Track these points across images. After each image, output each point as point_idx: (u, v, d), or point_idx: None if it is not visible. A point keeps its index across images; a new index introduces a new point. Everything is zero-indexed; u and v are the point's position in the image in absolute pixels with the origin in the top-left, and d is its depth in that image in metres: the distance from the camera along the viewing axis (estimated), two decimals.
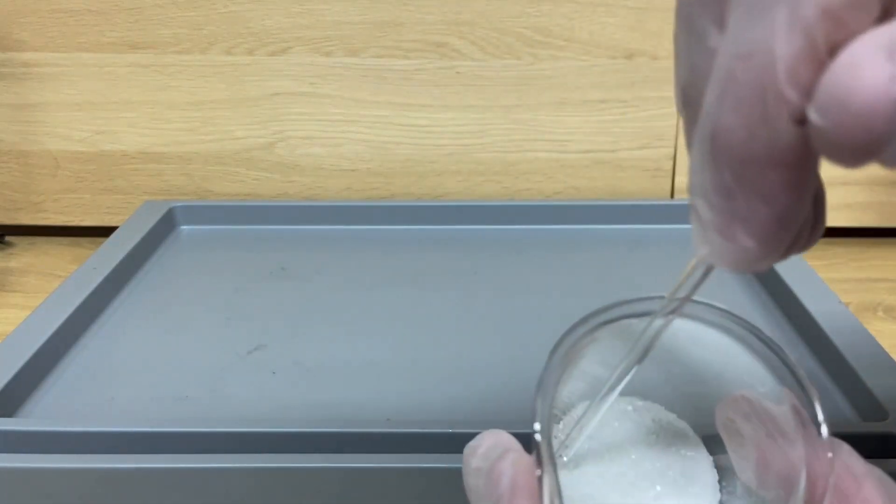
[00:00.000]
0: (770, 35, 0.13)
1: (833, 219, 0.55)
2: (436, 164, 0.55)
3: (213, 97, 0.54)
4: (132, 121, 0.55)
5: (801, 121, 0.13)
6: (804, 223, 0.15)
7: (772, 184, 0.14)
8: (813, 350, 0.37)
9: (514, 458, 0.16)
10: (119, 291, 0.44)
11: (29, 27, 0.53)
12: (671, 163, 0.55)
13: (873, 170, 0.54)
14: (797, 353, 0.38)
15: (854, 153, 0.12)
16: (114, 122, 0.55)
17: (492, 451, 0.17)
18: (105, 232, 0.49)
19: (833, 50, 0.12)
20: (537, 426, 0.15)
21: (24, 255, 0.55)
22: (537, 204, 0.51)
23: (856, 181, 0.54)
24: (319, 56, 0.53)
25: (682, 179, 0.55)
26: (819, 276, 0.42)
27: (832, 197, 0.55)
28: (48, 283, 0.46)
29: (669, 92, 0.52)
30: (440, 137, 0.55)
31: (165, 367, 0.37)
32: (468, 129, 0.54)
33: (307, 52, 0.53)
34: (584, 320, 0.18)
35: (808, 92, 0.12)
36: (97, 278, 0.42)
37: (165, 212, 0.51)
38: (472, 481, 0.17)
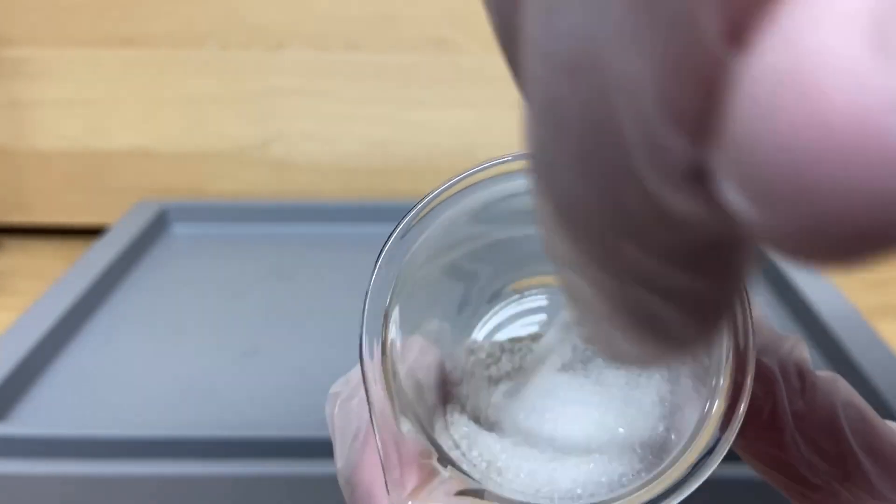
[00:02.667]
0: (600, 27, 0.07)
1: None
2: (436, 163, 0.55)
3: (208, 94, 0.54)
4: (124, 118, 0.54)
5: (699, 176, 0.07)
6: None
7: (671, 273, 0.08)
8: (821, 351, 0.37)
9: (377, 387, 0.13)
10: (111, 293, 0.43)
11: (18, 22, 0.52)
12: None
13: None
14: None
15: (843, 257, 0.06)
16: (105, 119, 0.54)
17: (355, 375, 0.14)
18: (97, 232, 0.49)
19: (739, 38, 0.06)
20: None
21: (14, 256, 0.55)
22: None
23: None
24: (316, 51, 0.53)
25: None
26: (827, 277, 0.41)
27: None
28: (38, 284, 0.46)
29: None
30: (440, 135, 0.54)
31: (158, 370, 0.37)
32: (469, 127, 0.54)
33: (304, 47, 0.53)
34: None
35: (703, 131, 0.07)
36: (88, 279, 0.42)
37: (158, 211, 0.50)
38: (328, 408, 0.15)
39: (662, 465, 0.13)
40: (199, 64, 0.53)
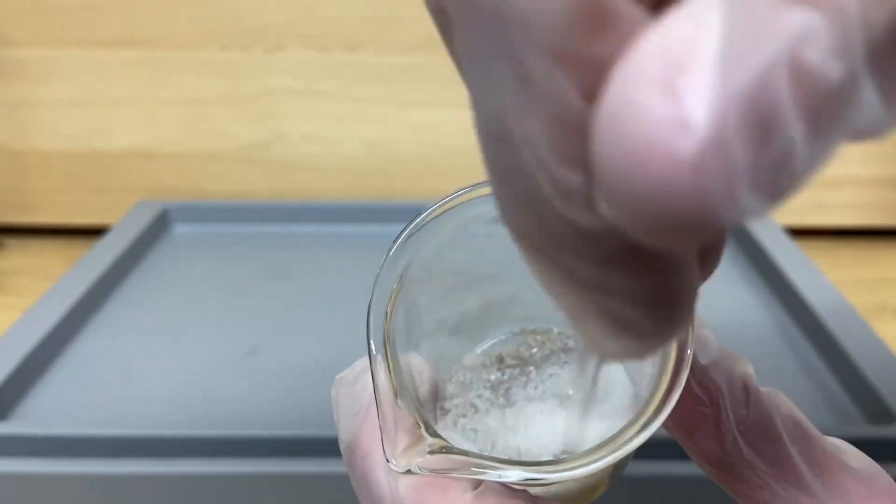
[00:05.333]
0: (503, 107, 0.09)
1: (840, 218, 0.55)
2: (436, 163, 0.55)
3: (208, 94, 0.54)
4: (125, 119, 0.54)
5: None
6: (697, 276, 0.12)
7: (610, 278, 0.10)
8: (820, 351, 0.37)
9: (381, 371, 0.16)
10: (112, 292, 0.43)
11: (19, 23, 0.52)
12: None
13: (879, 169, 0.54)
14: (804, 354, 0.37)
15: (691, 237, 0.08)
16: (107, 119, 0.54)
17: (360, 363, 0.17)
18: (98, 232, 0.49)
19: (593, 96, 0.08)
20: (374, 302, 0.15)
21: (16, 256, 0.55)
22: None
23: (862, 180, 0.54)
24: (317, 52, 0.53)
25: None
26: (826, 277, 0.41)
27: (838, 196, 0.55)
28: (40, 283, 0.46)
29: None
30: (440, 135, 0.54)
31: (159, 369, 0.37)
32: (469, 127, 0.54)
33: (304, 48, 0.53)
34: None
35: (584, 164, 0.09)
36: (90, 279, 0.42)
37: (159, 211, 0.50)
38: (334, 391, 0.17)
39: (604, 440, 0.15)
40: (199, 64, 0.53)
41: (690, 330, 0.15)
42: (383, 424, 0.15)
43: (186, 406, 0.34)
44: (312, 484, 0.30)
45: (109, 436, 0.30)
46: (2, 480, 0.30)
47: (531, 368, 0.18)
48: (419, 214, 0.17)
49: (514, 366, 0.18)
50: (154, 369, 0.37)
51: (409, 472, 0.14)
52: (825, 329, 0.37)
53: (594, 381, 0.17)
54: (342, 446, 0.16)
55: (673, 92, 0.07)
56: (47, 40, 0.52)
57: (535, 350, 0.19)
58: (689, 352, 0.15)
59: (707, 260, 0.13)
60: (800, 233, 0.50)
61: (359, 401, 0.16)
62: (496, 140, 0.10)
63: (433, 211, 0.17)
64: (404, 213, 0.51)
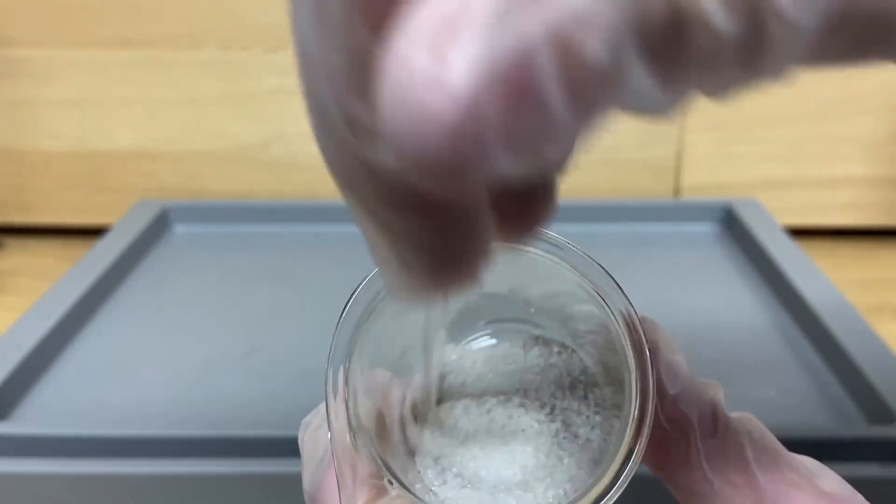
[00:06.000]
0: (304, 30, 0.10)
1: (840, 218, 0.55)
2: None
3: (208, 94, 0.54)
4: (125, 118, 0.54)
5: None
6: (484, 236, 0.12)
7: (404, 217, 0.11)
8: (820, 351, 0.37)
9: (341, 421, 0.16)
10: (112, 293, 0.43)
11: (19, 23, 0.52)
12: (675, 161, 0.54)
13: (879, 169, 0.54)
14: (804, 354, 0.37)
15: (452, 182, 0.09)
16: (106, 119, 0.54)
17: (324, 406, 0.16)
18: (98, 232, 0.49)
19: (382, 37, 0.09)
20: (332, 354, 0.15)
21: (15, 256, 0.55)
22: None
23: (862, 180, 0.54)
24: None
25: (686, 178, 0.55)
26: (826, 277, 0.41)
27: (838, 196, 0.55)
28: (40, 284, 0.46)
29: None
30: None
31: (159, 370, 0.37)
32: None
33: None
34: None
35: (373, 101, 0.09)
36: (90, 279, 0.41)
37: (159, 211, 0.50)
38: (300, 436, 0.17)
39: (586, 484, 0.15)
40: (199, 64, 0.53)
41: (651, 400, 0.16)
42: (340, 477, 0.14)
43: (186, 406, 0.34)
44: None
45: (109, 436, 0.30)
46: (2, 480, 0.30)
47: (500, 393, 0.18)
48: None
49: (495, 392, 0.18)
50: (154, 369, 0.37)
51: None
52: (825, 329, 0.37)
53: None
54: (305, 497, 0.16)
55: (440, 52, 0.08)
56: (47, 40, 0.52)
57: (507, 370, 0.19)
58: (649, 412, 0.15)
59: (526, 217, 0.14)
60: (800, 233, 0.50)
61: (321, 449, 0.16)
62: (302, 64, 0.11)
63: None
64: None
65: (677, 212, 0.51)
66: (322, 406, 0.16)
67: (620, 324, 0.16)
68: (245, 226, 0.51)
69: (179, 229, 0.51)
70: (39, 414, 0.34)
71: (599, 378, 0.18)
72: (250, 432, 0.30)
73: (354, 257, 0.53)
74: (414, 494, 0.15)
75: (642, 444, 0.15)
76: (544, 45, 0.08)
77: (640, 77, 0.09)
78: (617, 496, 0.15)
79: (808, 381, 0.36)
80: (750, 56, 0.09)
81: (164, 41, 0.52)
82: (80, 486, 0.30)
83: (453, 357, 0.19)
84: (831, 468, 0.29)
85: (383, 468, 0.14)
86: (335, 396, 0.15)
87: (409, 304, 0.14)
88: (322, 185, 0.56)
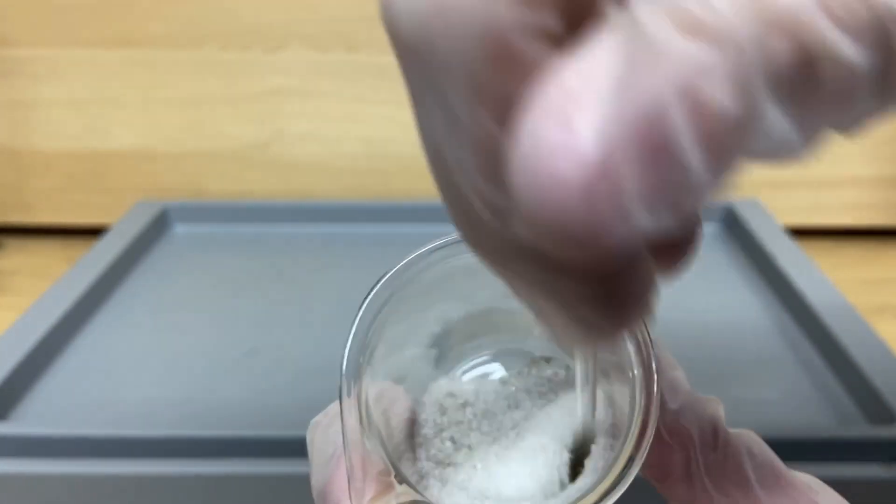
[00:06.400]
0: (435, 132, 0.11)
1: (841, 218, 0.55)
2: None
3: (208, 94, 0.54)
4: (125, 118, 0.54)
5: None
6: (650, 276, 0.12)
7: (568, 282, 0.11)
8: (820, 352, 0.37)
9: (352, 418, 0.16)
10: (112, 293, 0.43)
11: (19, 22, 0.52)
12: None
13: (880, 169, 0.54)
14: (804, 354, 0.37)
15: (599, 253, 0.09)
16: (106, 119, 0.54)
17: (334, 408, 0.17)
18: (97, 232, 0.49)
19: (509, 125, 0.09)
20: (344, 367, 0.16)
21: (15, 256, 0.55)
22: None
23: (863, 180, 0.54)
24: (317, 52, 0.53)
25: None
26: (826, 277, 0.41)
27: (839, 196, 0.55)
28: (39, 284, 0.45)
29: None
30: None
31: (158, 370, 0.37)
32: None
33: (304, 48, 0.52)
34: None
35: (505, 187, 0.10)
36: (89, 279, 0.41)
37: (159, 211, 0.50)
38: (309, 435, 0.17)
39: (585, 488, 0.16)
40: (199, 64, 0.53)
41: (655, 393, 0.16)
42: (351, 473, 0.15)
43: (186, 406, 0.34)
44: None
45: (109, 436, 0.30)
46: (2, 480, 0.30)
47: (506, 408, 0.18)
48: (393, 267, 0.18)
49: (491, 405, 0.19)
50: (154, 369, 0.37)
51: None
52: (825, 329, 0.37)
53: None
54: (314, 493, 0.16)
55: (568, 123, 0.08)
56: (47, 40, 0.52)
57: (513, 388, 0.19)
58: (653, 416, 0.16)
59: (677, 254, 0.14)
60: (800, 233, 0.50)
61: (331, 446, 0.16)
62: (435, 164, 0.11)
63: (408, 259, 0.18)
64: (404, 213, 0.51)
65: None
66: (331, 406, 0.17)
67: (628, 339, 0.16)
68: (245, 226, 0.51)
69: (179, 229, 0.51)
70: (39, 414, 0.34)
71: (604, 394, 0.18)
72: (250, 432, 0.30)
73: (354, 257, 0.53)
74: (419, 493, 0.15)
75: (643, 452, 0.15)
76: (673, 101, 0.08)
77: (775, 120, 0.09)
78: (613, 500, 0.15)
79: (808, 381, 0.36)
80: (885, 84, 0.09)
81: (164, 41, 0.52)
82: (80, 486, 0.30)
83: (461, 379, 0.19)
84: (831, 468, 0.29)
85: (391, 467, 0.15)
86: (349, 395, 0.15)
87: (581, 350, 0.14)
88: (322, 185, 0.56)
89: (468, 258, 0.16)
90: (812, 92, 0.09)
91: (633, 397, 0.16)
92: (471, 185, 0.11)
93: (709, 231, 0.50)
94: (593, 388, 0.17)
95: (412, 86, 0.11)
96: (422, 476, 0.17)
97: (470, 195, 0.11)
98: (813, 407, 0.34)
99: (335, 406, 0.17)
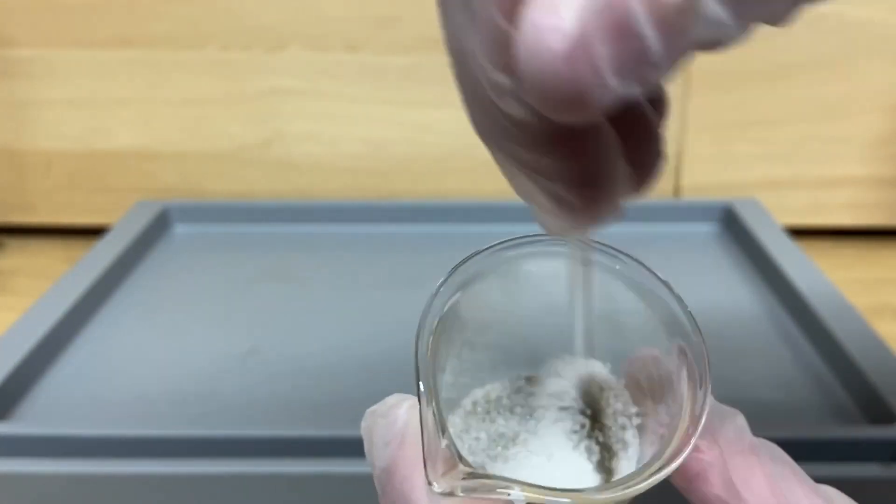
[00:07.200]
0: (457, 29, 0.14)
1: (840, 218, 0.55)
2: (436, 163, 0.55)
3: (209, 94, 0.54)
4: (125, 119, 0.54)
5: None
6: (617, 164, 0.15)
7: (544, 159, 0.14)
8: (820, 351, 0.37)
9: (413, 403, 0.17)
10: (112, 293, 0.43)
11: (20, 22, 0.52)
12: (675, 161, 0.54)
13: (879, 169, 0.54)
14: (805, 354, 0.37)
15: (579, 109, 0.12)
16: (107, 119, 0.54)
17: (391, 399, 0.18)
18: (98, 232, 0.49)
19: (514, 19, 0.12)
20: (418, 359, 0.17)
21: (16, 256, 0.55)
22: None
23: (862, 180, 0.54)
24: (317, 53, 0.53)
25: (686, 178, 0.55)
26: (826, 277, 0.41)
27: (838, 196, 0.55)
28: (40, 284, 0.46)
29: (673, 89, 0.52)
30: (440, 135, 0.54)
31: (159, 369, 0.37)
32: (468, 127, 0.54)
33: (304, 48, 0.52)
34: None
35: (511, 69, 0.13)
36: (90, 279, 0.41)
37: (159, 211, 0.50)
38: (366, 423, 0.18)
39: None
40: (199, 64, 0.53)
41: (706, 390, 0.17)
42: (427, 452, 0.16)
43: (186, 406, 0.34)
44: (312, 484, 0.30)
45: (109, 436, 0.30)
46: (2, 480, 0.30)
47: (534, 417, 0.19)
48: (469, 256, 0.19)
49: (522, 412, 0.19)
50: (153, 369, 0.37)
51: (450, 493, 0.15)
52: (825, 329, 0.37)
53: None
54: (376, 472, 0.17)
55: (556, 11, 0.11)
56: (47, 40, 0.52)
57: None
58: (705, 409, 0.16)
59: (657, 107, 0.16)
60: (800, 233, 0.50)
61: (391, 432, 0.17)
62: (453, 55, 0.14)
63: (480, 252, 0.19)
64: (404, 213, 0.51)
65: (677, 212, 0.51)
66: (387, 399, 0.18)
67: (675, 350, 0.17)
68: (245, 226, 0.51)
69: (179, 229, 0.51)
70: (39, 414, 0.34)
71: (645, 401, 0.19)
72: (250, 432, 0.30)
73: (354, 257, 0.53)
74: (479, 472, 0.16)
75: (684, 455, 0.16)
76: None
77: (713, 7, 0.11)
78: (650, 485, 0.16)
79: (808, 381, 0.36)
80: None
81: (164, 41, 0.52)
82: (80, 486, 0.30)
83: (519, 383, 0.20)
84: (831, 468, 0.29)
85: (457, 455, 0.16)
86: (426, 387, 0.16)
87: (564, 238, 0.17)
88: (322, 185, 0.56)
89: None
90: None
91: (679, 406, 0.17)
92: (480, 69, 0.13)
93: (708, 231, 0.50)
94: (588, 312, 0.18)
95: None
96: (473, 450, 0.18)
97: (480, 78, 0.14)
98: (812, 407, 0.34)
99: (392, 398, 0.18)
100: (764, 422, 0.33)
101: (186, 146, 0.55)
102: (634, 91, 0.11)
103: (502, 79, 0.13)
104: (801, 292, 0.40)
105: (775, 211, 0.50)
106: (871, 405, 0.33)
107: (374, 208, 0.51)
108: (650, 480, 0.16)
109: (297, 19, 0.52)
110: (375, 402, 0.18)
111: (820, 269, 0.42)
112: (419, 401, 0.16)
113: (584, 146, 0.14)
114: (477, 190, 0.55)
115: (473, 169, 0.55)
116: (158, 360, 0.37)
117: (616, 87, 0.11)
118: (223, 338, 0.39)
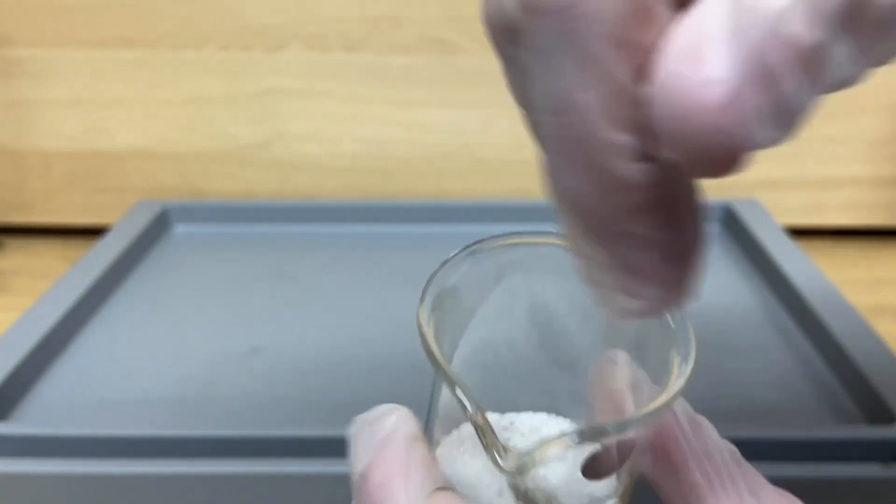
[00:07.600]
0: (568, 86, 0.12)
1: (841, 218, 0.55)
2: (436, 163, 0.55)
3: (208, 94, 0.54)
4: (125, 118, 0.54)
5: (647, 157, 0.13)
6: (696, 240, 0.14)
7: (646, 229, 0.13)
8: (820, 351, 0.37)
9: (402, 413, 0.17)
10: (112, 293, 0.43)
11: (18, 22, 0.52)
12: None
13: (879, 169, 0.54)
14: (804, 354, 0.37)
15: (732, 162, 0.11)
16: (106, 119, 0.54)
17: (382, 408, 0.18)
18: (97, 232, 0.49)
19: (642, 72, 0.12)
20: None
21: (15, 256, 0.55)
22: (540, 204, 0.51)
23: (862, 180, 0.54)
24: (317, 52, 0.53)
25: None
26: (826, 277, 0.41)
27: (838, 196, 0.55)
28: (39, 284, 0.46)
29: None
30: (440, 135, 0.54)
31: (159, 369, 0.37)
32: (469, 127, 0.54)
33: (304, 48, 0.52)
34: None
35: (638, 126, 0.12)
36: (89, 279, 0.41)
37: (159, 211, 0.50)
38: (353, 429, 0.18)
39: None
40: (199, 64, 0.53)
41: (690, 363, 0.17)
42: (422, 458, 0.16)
43: (186, 406, 0.34)
44: (312, 484, 0.30)
45: (109, 436, 0.30)
46: (2, 480, 0.30)
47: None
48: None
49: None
50: (154, 369, 0.37)
51: (441, 489, 0.15)
52: (825, 329, 0.37)
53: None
54: (354, 476, 0.17)
55: (702, 61, 0.11)
56: (47, 40, 0.52)
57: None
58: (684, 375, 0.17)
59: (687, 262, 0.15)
60: (799, 232, 0.50)
61: (376, 438, 0.17)
62: (552, 113, 0.13)
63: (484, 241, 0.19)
64: (404, 213, 0.51)
65: None
66: (379, 407, 0.18)
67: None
68: (245, 226, 0.51)
69: (179, 229, 0.51)
70: (39, 414, 0.34)
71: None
72: (250, 432, 0.30)
73: (354, 257, 0.53)
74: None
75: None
76: (769, 41, 0.11)
77: (841, 49, 0.11)
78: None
79: (808, 381, 0.36)
80: None
81: (164, 41, 0.52)
82: (80, 486, 0.30)
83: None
84: (831, 468, 0.29)
85: (475, 410, 0.16)
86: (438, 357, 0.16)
87: (632, 320, 0.16)
88: (322, 185, 0.56)
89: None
90: (865, 25, 0.11)
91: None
92: (592, 127, 0.12)
93: (708, 231, 0.50)
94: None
95: (542, 43, 0.13)
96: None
97: (589, 138, 0.13)
98: (812, 406, 0.34)
99: (382, 407, 0.18)
100: (764, 422, 0.34)
101: (186, 146, 0.55)
102: (779, 140, 0.12)
103: (621, 138, 0.12)
104: (801, 292, 0.40)
105: (775, 211, 0.50)
106: (870, 405, 0.33)
107: (374, 208, 0.51)
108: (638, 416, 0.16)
109: (297, 19, 0.52)
110: (375, 402, 0.18)
111: (820, 269, 0.42)
112: (455, 389, 0.16)
113: (690, 211, 0.14)
114: (477, 190, 0.55)
115: (473, 169, 0.55)
116: (158, 360, 0.37)
117: (768, 136, 0.11)
118: (223, 338, 0.39)
